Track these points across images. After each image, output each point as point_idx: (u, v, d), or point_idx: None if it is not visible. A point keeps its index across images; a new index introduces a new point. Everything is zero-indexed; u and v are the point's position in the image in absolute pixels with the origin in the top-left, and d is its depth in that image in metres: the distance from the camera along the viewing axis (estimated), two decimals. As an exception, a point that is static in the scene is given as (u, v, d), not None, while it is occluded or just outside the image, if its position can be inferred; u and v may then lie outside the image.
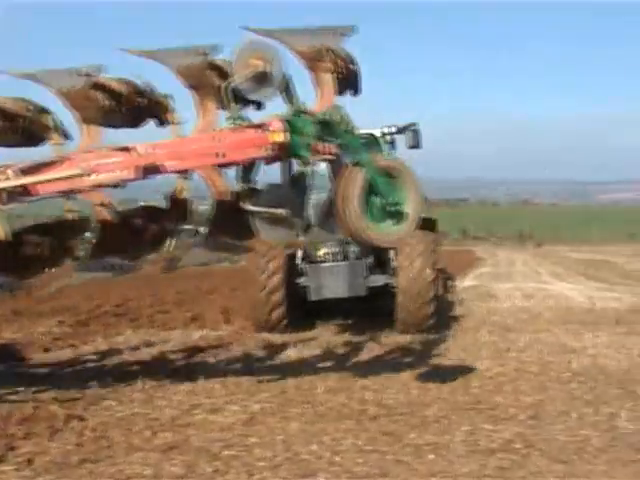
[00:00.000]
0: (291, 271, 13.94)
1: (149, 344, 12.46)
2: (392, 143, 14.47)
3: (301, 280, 13.99)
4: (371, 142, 13.43)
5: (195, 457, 6.30)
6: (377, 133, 13.91)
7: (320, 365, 10.44)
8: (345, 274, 13.81)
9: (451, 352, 11.11)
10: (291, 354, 11.37)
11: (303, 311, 14.30)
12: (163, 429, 7.13)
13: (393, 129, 14.15)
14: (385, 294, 13.75)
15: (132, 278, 17.72)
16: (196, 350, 11.77)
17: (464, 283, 27.09)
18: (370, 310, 14.42)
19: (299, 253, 14.22)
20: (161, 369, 10.07)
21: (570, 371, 9.67)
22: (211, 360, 11.02)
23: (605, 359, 10.46)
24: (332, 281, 13.79)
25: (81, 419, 7.40)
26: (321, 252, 14.05)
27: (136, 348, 12.01)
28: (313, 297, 13.86)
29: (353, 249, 13.87)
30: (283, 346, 11.93)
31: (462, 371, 9.66)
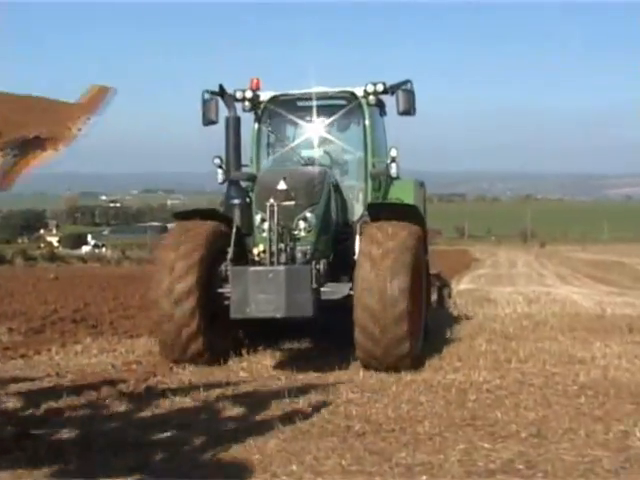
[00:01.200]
0: (213, 274, 11.17)
1: (110, 352, 12.41)
2: (380, 107, 13.31)
3: (224, 289, 11.10)
4: (350, 104, 12.88)
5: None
6: (358, 92, 12.68)
7: (300, 376, 10.43)
8: (280, 285, 10.38)
9: (445, 362, 11.08)
10: (267, 363, 11.35)
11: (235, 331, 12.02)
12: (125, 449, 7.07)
13: (380, 87, 12.34)
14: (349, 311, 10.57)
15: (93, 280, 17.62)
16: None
17: (459, 286, 27.12)
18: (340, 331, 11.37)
19: (231, 249, 11.36)
20: (123, 382, 9.99)
21: (577, 384, 9.66)
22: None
23: (617, 371, 10.47)
24: (260, 294, 10.41)
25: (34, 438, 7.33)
26: (258, 249, 11.06)
27: (95, 357, 11.95)
28: (233, 314, 10.63)
29: (305, 247, 11.12)
30: (259, 354, 11.87)
31: (458, 383, 9.64)
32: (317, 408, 8.44)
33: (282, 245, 10.88)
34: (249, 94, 12.74)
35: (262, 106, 13.15)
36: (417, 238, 11.09)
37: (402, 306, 10.23)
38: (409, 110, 12.27)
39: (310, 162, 12.75)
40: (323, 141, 13.28)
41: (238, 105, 12.72)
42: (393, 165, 12.28)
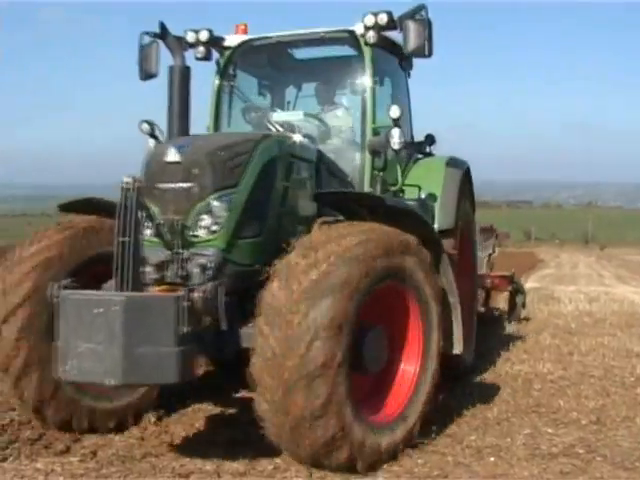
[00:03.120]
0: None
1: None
2: (398, 57, 9.07)
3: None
4: (346, 45, 8.77)
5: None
6: (358, 29, 8.37)
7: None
8: (114, 329, 5.59)
9: (513, 354, 10.94)
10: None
11: None
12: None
13: (383, 18, 8.04)
14: None
15: None
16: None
17: (526, 285, 26.82)
18: None
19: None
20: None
21: (634, 376, 9.49)
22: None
23: (670, 364, 10.21)
24: (84, 342, 5.67)
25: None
26: None
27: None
28: (53, 372, 5.97)
29: (205, 258, 6.31)
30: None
31: (524, 374, 9.53)
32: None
33: (168, 253, 6.30)
34: (204, 36, 8.67)
35: (227, 55, 9.05)
36: (381, 247, 6.06)
37: (321, 352, 5.48)
38: (422, 48, 7.74)
39: (287, 130, 8.09)
40: (310, 102, 9.18)
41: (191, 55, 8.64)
42: (395, 133, 7.80)
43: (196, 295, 5.77)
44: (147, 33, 8.16)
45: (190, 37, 8.68)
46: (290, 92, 9.57)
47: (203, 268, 6.24)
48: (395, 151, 7.93)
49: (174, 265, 6.24)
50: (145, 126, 7.85)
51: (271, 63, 9.51)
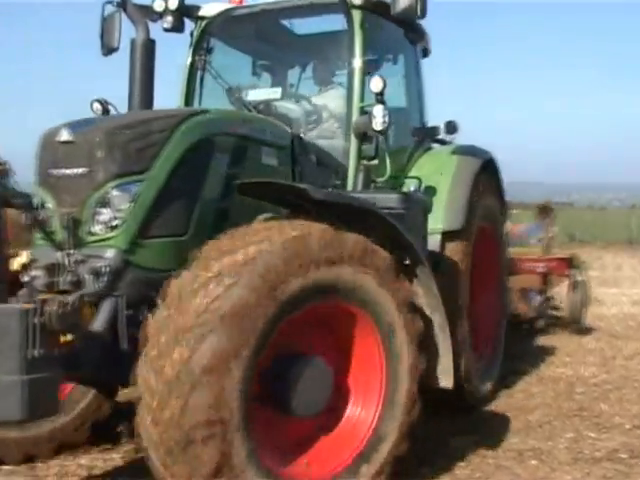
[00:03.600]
0: None
1: None
2: (408, 30, 7.92)
3: None
4: (336, 12, 7.33)
5: None
6: None
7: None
8: None
9: (556, 357, 10.81)
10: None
11: None
12: None
13: None
14: None
15: None
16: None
17: (570, 287, 26.47)
18: None
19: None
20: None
21: (679, 381, 9.31)
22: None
23: None
24: None
25: None
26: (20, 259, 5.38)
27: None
28: None
29: (101, 261, 5.06)
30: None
31: (566, 377, 9.41)
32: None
33: (59, 254, 5.11)
34: (174, 3, 7.37)
35: (202, 26, 7.86)
36: (298, 255, 4.52)
37: (204, 404, 4.15)
38: (413, 8, 6.56)
39: (263, 111, 7.00)
40: (295, 80, 8.20)
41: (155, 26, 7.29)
42: (377, 111, 6.57)
43: (52, 308, 4.38)
44: (110, 2, 6.71)
45: (157, 5, 7.34)
46: (293, 73, 8.33)
47: (97, 273, 4.99)
48: (378, 133, 6.66)
49: (65, 269, 5.06)
50: (97, 106, 6.28)
51: (259, 37, 8.21)
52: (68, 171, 5.18)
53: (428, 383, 5.47)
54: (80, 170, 5.15)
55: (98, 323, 4.84)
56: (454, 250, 7.37)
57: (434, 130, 8.55)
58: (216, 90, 7.62)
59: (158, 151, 5.30)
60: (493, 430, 7.08)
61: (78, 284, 4.98)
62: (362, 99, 7.01)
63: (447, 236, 7.33)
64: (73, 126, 5.27)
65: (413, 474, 5.84)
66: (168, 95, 7.99)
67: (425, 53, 8.74)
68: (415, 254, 5.47)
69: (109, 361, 4.92)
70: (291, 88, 7.99)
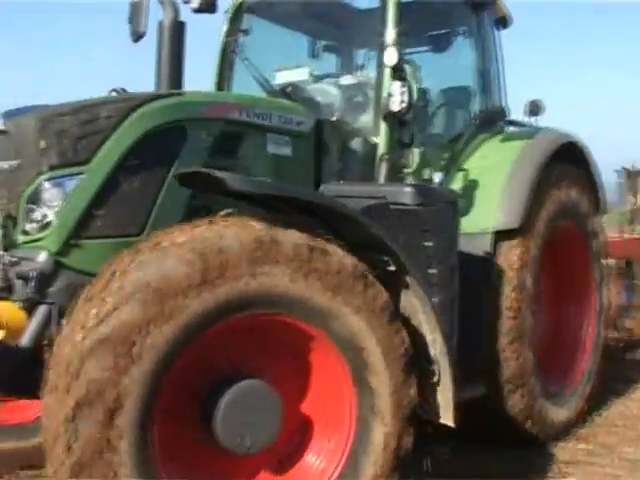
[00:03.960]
0: None
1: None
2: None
3: None
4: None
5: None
6: None
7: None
8: None
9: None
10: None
11: None
12: None
13: None
14: None
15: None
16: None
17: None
18: None
19: None
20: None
21: None
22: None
23: None
24: None
25: None
26: None
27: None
28: None
29: (34, 265, 4.47)
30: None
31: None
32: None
33: None
34: None
35: (237, 3, 7.19)
36: (210, 263, 3.72)
37: (86, 442, 3.48)
38: None
39: (291, 95, 6.29)
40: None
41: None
42: (395, 89, 5.90)
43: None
44: None
45: None
46: (359, 52, 7.62)
47: (25, 278, 4.40)
48: (394, 114, 5.93)
49: None
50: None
51: (314, 13, 7.34)
52: (1, 163, 4.72)
53: (429, 417, 4.68)
54: (14, 162, 4.67)
55: (26, 337, 4.29)
56: (510, 255, 6.37)
57: (500, 112, 7.48)
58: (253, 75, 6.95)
59: (102, 140, 4.66)
60: (606, 439, 7.09)
61: (9, 289, 4.50)
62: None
63: (500, 237, 6.36)
64: (8, 114, 4.81)
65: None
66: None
67: (504, 24, 7.70)
68: (397, 258, 4.51)
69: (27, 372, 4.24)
70: (358, 70, 7.19)
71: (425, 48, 7.33)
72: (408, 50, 6.57)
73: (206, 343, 3.82)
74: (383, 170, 6.03)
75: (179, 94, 5.22)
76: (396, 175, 6.15)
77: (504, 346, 6.23)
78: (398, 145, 6.13)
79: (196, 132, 5.08)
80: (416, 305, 4.58)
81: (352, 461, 4.15)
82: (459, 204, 5.65)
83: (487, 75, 7.33)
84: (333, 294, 4.03)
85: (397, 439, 4.22)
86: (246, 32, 7.12)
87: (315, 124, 5.89)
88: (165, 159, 4.90)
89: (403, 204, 5.03)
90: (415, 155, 6.20)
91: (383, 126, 6.09)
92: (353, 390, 4.18)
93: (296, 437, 4.28)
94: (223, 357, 4.05)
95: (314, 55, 7.58)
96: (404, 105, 5.82)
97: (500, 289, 6.26)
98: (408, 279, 4.55)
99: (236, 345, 4.04)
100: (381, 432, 4.19)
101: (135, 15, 5.96)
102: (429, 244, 5.08)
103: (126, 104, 4.83)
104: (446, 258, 5.20)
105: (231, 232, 3.85)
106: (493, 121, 7.37)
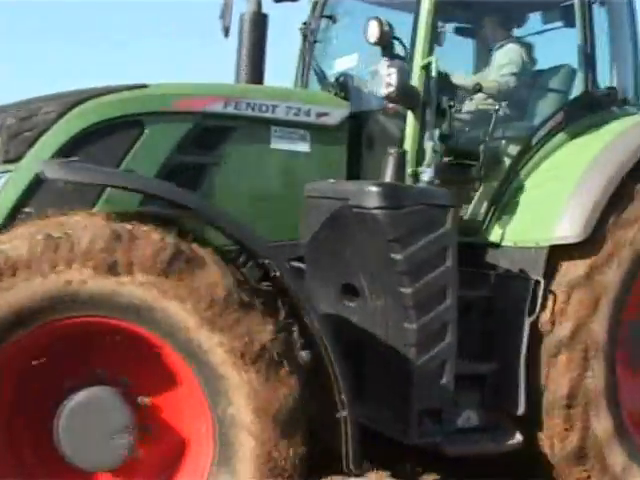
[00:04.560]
0: None
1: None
2: None
3: None
4: None
5: None
6: None
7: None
8: None
9: None
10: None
11: None
12: None
13: None
14: None
15: None
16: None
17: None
18: None
19: None
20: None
21: None
22: None
23: None
24: None
25: None
26: None
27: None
28: None
29: None
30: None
31: None
32: None
33: None
34: None
35: None
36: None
37: None
38: None
39: (342, 85, 5.58)
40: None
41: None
42: (381, 68, 5.02)
43: None
44: None
45: None
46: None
47: None
48: (384, 99, 5.09)
49: None
50: None
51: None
52: None
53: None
54: None
55: None
56: (572, 278, 5.14)
57: (610, 94, 5.97)
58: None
59: (36, 137, 4.47)
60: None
61: None
62: (426, 54, 5.19)
63: (560, 253, 5.15)
64: None
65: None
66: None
67: None
68: (261, 263, 4.04)
69: None
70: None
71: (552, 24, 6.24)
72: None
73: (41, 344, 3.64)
74: (387, 166, 5.02)
75: (142, 87, 4.89)
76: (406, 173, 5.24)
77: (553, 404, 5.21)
78: (439, 139, 5.21)
79: (158, 126, 4.76)
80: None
81: (214, 478, 3.79)
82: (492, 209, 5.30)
83: (588, 50, 5.86)
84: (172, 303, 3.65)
85: (266, 453, 3.76)
86: (332, 18, 6.40)
87: (350, 116, 5.33)
88: (111, 155, 4.59)
89: (363, 207, 4.50)
90: (429, 149, 5.14)
91: (410, 116, 5.22)
92: (209, 418, 3.80)
93: (155, 455, 3.91)
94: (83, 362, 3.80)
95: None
96: (391, 89, 4.91)
97: (547, 325, 5.16)
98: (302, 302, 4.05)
99: (100, 350, 3.81)
100: (246, 447, 3.76)
101: (225, 11, 5.77)
102: (397, 257, 4.49)
103: (68, 99, 4.57)
104: (425, 274, 4.58)
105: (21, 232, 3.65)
106: (600, 105, 5.88)
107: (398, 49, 5.14)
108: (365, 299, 4.79)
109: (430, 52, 5.21)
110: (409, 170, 5.13)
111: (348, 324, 4.86)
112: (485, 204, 5.56)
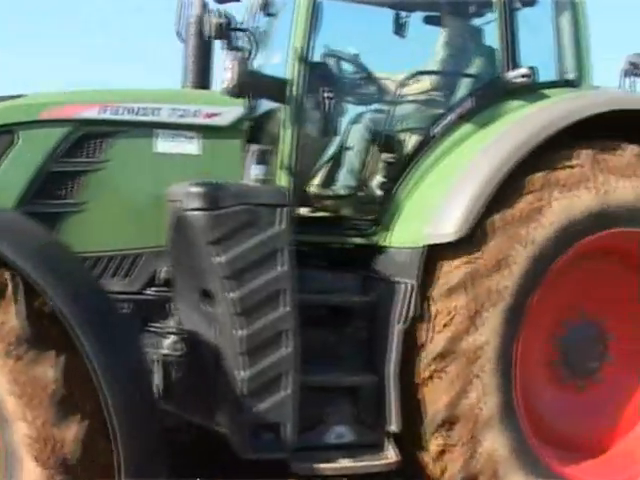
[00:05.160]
0: None
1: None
2: None
3: None
4: None
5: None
6: None
7: None
8: None
9: None
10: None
11: None
12: None
13: None
14: None
15: None
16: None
17: None
18: None
19: None
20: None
21: None
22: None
23: None
24: None
25: None
26: None
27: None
28: None
29: None
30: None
31: None
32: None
33: None
34: None
35: None
36: None
37: None
38: None
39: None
40: None
41: None
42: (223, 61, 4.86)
43: None
44: None
45: None
46: None
47: None
48: (224, 93, 4.79)
49: None
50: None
51: None
52: None
53: None
54: None
55: None
56: (451, 282, 4.67)
57: (516, 79, 5.25)
58: None
59: None
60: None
61: None
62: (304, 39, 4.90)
63: (441, 255, 4.72)
64: None
65: None
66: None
67: None
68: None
69: None
70: None
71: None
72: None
73: None
74: (247, 165, 4.65)
75: (17, 97, 4.80)
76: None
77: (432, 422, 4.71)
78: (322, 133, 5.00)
79: (29, 136, 4.65)
80: None
81: None
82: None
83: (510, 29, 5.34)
84: None
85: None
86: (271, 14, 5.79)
87: (247, 115, 5.00)
88: None
89: (186, 209, 4.34)
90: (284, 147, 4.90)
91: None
92: None
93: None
94: None
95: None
96: (229, 83, 4.67)
97: (422, 335, 4.72)
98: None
99: None
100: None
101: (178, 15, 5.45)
102: (219, 260, 4.23)
103: None
104: (253, 278, 4.28)
105: None
106: (515, 89, 5.28)
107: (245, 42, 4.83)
108: (217, 304, 4.49)
109: (309, 38, 4.90)
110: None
111: (203, 330, 4.61)
112: (376, 203, 5.18)
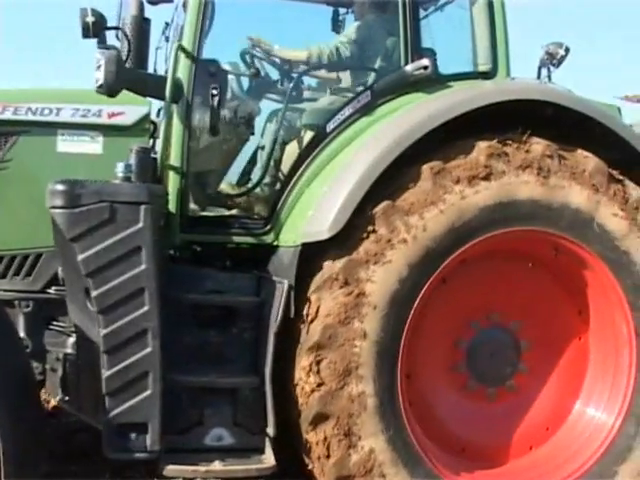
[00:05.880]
0: None
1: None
2: None
3: None
4: None
5: None
6: None
7: None
8: None
9: None
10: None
11: None
12: None
13: None
14: None
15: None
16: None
17: None
18: None
19: None
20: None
21: None
22: None
23: None
24: None
25: None
26: None
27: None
28: None
29: None
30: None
31: None
32: None
33: None
34: None
35: None
36: None
37: None
38: None
39: None
40: None
41: None
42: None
43: None
44: None
45: None
46: None
47: None
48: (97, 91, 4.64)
49: None
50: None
51: None
52: None
53: None
54: None
55: None
56: (323, 280, 4.55)
57: (416, 72, 5.04)
58: None
59: None
60: None
61: None
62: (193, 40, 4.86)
63: (318, 253, 4.63)
64: None
65: None
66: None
67: None
68: None
69: None
70: None
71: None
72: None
73: None
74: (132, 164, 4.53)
75: None
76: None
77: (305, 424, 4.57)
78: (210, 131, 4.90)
79: None
80: None
81: None
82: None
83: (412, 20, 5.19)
84: None
85: None
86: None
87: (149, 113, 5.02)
88: None
89: (49, 206, 4.28)
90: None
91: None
92: None
93: None
94: None
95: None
96: (99, 81, 4.54)
97: (298, 330, 4.62)
98: None
99: None
100: None
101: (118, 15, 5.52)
102: (80, 258, 4.20)
103: None
104: (113, 276, 4.23)
105: None
106: (416, 83, 5.12)
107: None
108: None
109: (200, 37, 4.85)
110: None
111: (89, 328, 4.53)
112: (270, 203, 5.06)
